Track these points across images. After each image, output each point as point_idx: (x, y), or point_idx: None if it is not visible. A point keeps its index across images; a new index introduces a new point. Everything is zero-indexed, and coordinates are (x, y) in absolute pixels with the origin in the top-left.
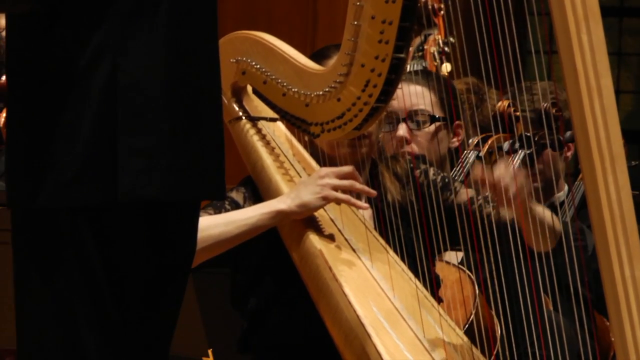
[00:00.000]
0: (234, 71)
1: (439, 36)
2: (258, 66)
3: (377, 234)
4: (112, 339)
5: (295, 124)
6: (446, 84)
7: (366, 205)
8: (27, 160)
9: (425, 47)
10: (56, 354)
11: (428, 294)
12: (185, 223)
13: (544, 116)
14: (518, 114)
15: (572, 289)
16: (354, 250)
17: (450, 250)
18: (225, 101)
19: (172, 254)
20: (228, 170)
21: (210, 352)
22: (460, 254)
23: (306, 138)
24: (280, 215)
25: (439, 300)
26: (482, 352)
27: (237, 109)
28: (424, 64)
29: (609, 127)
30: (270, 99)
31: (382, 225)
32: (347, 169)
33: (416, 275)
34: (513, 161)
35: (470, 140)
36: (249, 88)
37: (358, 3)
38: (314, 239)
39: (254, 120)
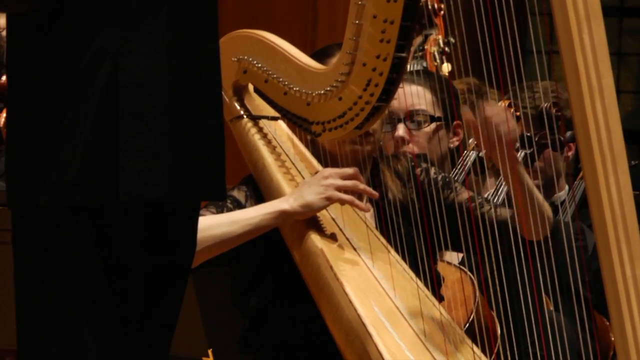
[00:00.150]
0: (235, 70)
1: (439, 36)
2: (259, 65)
3: (378, 233)
4: (112, 339)
5: (297, 123)
6: (446, 84)
7: (368, 207)
8: (28, 160)
9: (426, 47)
10: (56, 354)
11: (429, 293)
12: (185, 223)
13: (545, 116)
14: (518, 114)
15: (573, 289)
16: (355, 249)
17: (450, 250)
18: (227, 100)
19: (172, 254)
20: (229, 169)
21: (210, 352)
22: (461, 254)
23: (308, 137)
24: (283, 215)
25: (440, 299)
26: (483, 352)
27: (238, 107)
28: (424, 64)
29: (610, 127)
30: (272, 98)
31: (383, 224)
32: (351, 170)
33: (417, 273)
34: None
35: (470, 140)
36: (251, 87)
37: (360, 2)
38: (315, 237)
39: (255, 119)
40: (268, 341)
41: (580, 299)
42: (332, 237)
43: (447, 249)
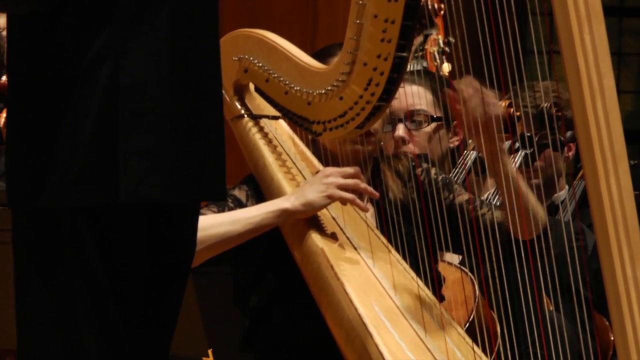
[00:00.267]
0: (236, 69)
1: (439, 36)
2: (260, 64)
3: (378, 233)
4: (112, 339)
5: (298, 123)
6: (446, 84)
7: (368, 207)
8: (28, 160)
9: (426, 47)
10: (56, 354)
11: (430, 293)
12: (185, 223)
13: (546, 116)
14: (518, 113)
15: (574, 289)
16: (355, 248)
17: (450, 252)
18: (228, 99)
19: (172, 254)
20: (229, 168)
21: (210, 352)
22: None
23: (309, 137)
24: (285, 214)
25: (441, 299)
26: (483, 351)
27: (239, 107)
28: (424, 64)
29: (611, 127)
30: (273, 97)
31: (384, 224)
32: (352, 169)
33: (418, 273)
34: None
35: (470, 140)
36: (251, 86)
37: (361, 1)
38: (315, 237)
39: (256, 118)
40: (268, 341)
41: (581, 299)
42: (333, 237)
43: (446, 250)
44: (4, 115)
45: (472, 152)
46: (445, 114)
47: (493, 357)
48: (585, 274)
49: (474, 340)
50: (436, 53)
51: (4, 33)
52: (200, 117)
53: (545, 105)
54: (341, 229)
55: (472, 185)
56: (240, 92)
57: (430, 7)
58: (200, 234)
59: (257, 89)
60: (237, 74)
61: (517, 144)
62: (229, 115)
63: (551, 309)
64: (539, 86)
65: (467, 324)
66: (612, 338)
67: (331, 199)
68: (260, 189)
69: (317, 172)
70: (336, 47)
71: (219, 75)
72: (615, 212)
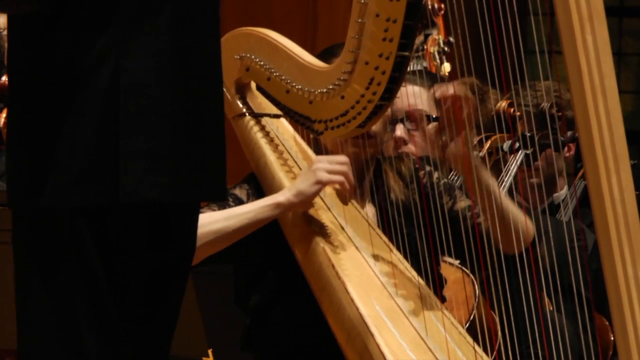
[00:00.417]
0: (237, 67)
1: (439, 36)
2: (262, 63)
3: (380, 232)
4: (112, 339)
5: (299, 121)
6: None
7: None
8: (28, 160)
9: (425, 47)
10: (56, 354)
11: (431, 293)
12: (185, 223)
13: (547, 116)
14: (519, 113)
15: (575, 289)
16: (356, 248)
17: (448, 256)
18: (229, 98)
19: (172, 254)
20: (231, 167)
21: (210, 352)
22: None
23: (311, 136)
24: (279, 206)
25: (442, 300)
26: (484, 351)
27: (240, 105)
28: (424, 64)
29: (612, 127)
30: (274, 96)
31: (385, 224)
32: (341, 156)
33: (419, 274)
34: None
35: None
36: (253, 84)
37: (362, 0)
38: (316, 236)
39: (257, 116)
40: (269, 340)
41: (582, 299)
42: (334, 236)
43: (448, 255)
44: (4, 115)
45: (472, 152)
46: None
47: (493, 356)
48: (587, 273)
49: (475, 339)
50: (436, 53)
51: (5, 33)
52: (201, 118)
53: (546, 105)
54: (342, 228)
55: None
56: (242, 91)
57: (430, 6)
58: (198, 231)
59: (258, 88)
60: (238, 72)
61: (518, 144)
62: (230, 114)
63: (551, 309)
64: (539, 86)
65: (468, 324)
66: (613, 338)
67: (320, 184)
68: (261, 188)
69: None
70: (340, 47)
71: (219, 76)
72: (617, 211)
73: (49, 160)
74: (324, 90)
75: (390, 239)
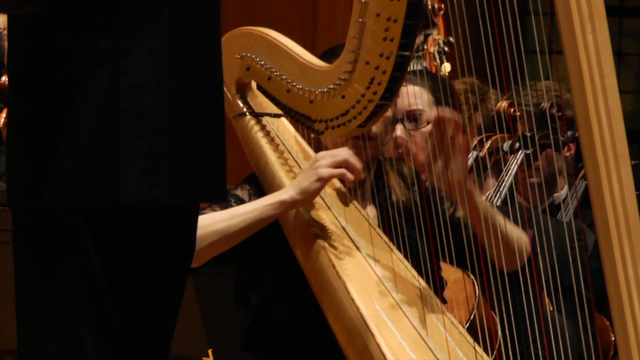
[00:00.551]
0: (238, 67)
1: (439, 36)
2: (262, 62)
3: (380, 232)
4: (112, 339)
5: (300, 121)
6: (444, 84)
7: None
8: (28, 160)
9: (425, 47)
10: (56, 354)
11: (431, 292)
12: (184, 224)
13: (548, 116)
14: (519, 113)
15: (572, 289)
16: (357, 247)
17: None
18: (230, 97)
19: (171, 255)
20: (231, 167)
21: (210, 352)
22: None
23: (312, 135)
24: (283, 204)
25: (443, 302)
26: (484, 351)
27: (241, 105)
28: (424, 64)
29: (613, 127)
30: (275, 95)
31: (386, 225)
32: (342, 150)
33: (420, 276)
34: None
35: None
36: (254, 84)
37: (363, 0)
38: (317, 236)
39: (258, 116)
40: (269, 339)
41: (583, 299)
42: (334, 236)
43: (447, 261)
44: (4, 115)
45: (473, 152)
46: None
47: (494, 356)
48: (587, 273)
49: (475, 339)
50: (436, 53)
51: (5, 33)
52: (201, 118)
53: (546, 104)
54: (343, 227)
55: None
56: (243, 90)
57: (430, 6)
58: (201, 231)
59: (259, 87)
60: (239, 71)
61: (518, 144)
62: (231, 113)
63: (551, 309)
64: (540, 86)
65: (468, 324)
66: (613, 338)
67: (322, 180)
68: (262, 188)
69: None
70: (342, 48)
71: (220, 76)
72: (617, 211)
73: (48, 161)
74: (325, 89)
75: (391, 240)
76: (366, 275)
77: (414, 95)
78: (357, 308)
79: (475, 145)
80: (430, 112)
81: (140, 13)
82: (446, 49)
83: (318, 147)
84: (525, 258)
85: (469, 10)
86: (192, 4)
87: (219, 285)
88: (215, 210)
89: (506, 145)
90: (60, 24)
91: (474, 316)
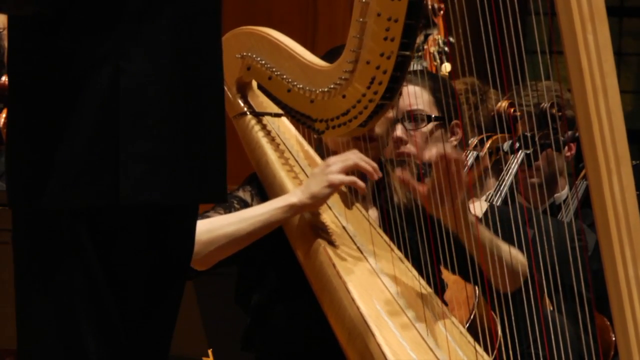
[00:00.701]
0: (239, 66)
1: (439, 36)
2: (263, 62)
3: (381, 231)
4: (112, 339)
5: (300, 120)
6: (444, 84)
7: (361, 186)
8: (28, 160)
9: (426, 47)
10: (56, 354)
11: (432, 292)
12: (184, 224)
13: (548, 116)
14: (519, 113)
15: (573, 290)
16: (358, 247)
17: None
18: (230, 97)
19: (171, 255)
20: (231, 167)
21: (210, 352)
22: None
23: (314, 136)
24: (292, 208)
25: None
26: (484, 351)
27: (241, 104)
28: (424, 64)
29: (614, 127)
30: (275, 95)
31: (387, 227)
32: (352, 153)
33: (420, 276)
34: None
35: (470, 141)
36: (254, 83)
37: (364, 0)
38: (317, 235)
39: (258, 115)
40: (269, 339)
41: (583, 299)
42: (335, 235)
43: (448, 269)
44: (4, 115)
45: (473, 152)
46: (443, 113)
47: (494, 356)
48: (588, 273)
49: (475, 339)
50: (436, 53)
51: (5, 33)
52: (201, 119)
53: (546, 104)
54: (344, 227)
55: (475, 184)
56: (243, 90)
57: (430, 6)
58: (210, 235)
59: (259, 87)
60: (239, 71)
61: (518, 144)
62: (231, 113)
63: (551, 309)
64: (540, 86)
65: (468, 323)
66: (614, 338)
67: (333, 186)
68: (263, 188)
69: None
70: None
71: (220, 77)
72: (618, 211)
73: (48, 161)
74: (325, 89)
75: (392, 242)
76: (366, 274)
77: (414, 95)
78: (358, 308)
79: (476, 145)
80: (430, 110)
81: (140, 13)
82: (446, 49)
83: (319, 146)
84: (522, 279)
85: (469, 10)
86: (193, 4)
87: (219, 285)
88: (219, 213)
89: (506, 145)
90: (61, 24)
91: (474, 316)
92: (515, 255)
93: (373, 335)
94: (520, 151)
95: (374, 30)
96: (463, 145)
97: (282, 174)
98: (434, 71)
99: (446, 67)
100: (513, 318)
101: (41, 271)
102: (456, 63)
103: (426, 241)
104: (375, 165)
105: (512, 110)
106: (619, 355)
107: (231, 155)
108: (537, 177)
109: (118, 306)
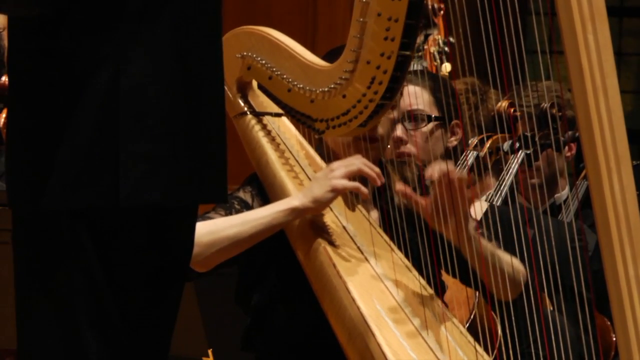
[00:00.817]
0: (239, 66)
1: (439, 36)
2: (263, 61)
3: (381, 231)
4: (112, 339)
5: (300, 120)
6: (444, 84)
7: (365, 192)
8: (28, 161)
9: (426, 47)
10: (56, 354)
11: (432, 292)
12: (184, 224)
13: (549, 116)
14: (519, 113)
15: (576, 289)
16: (358, 247)
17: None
18: (231, 96)
19: (171, 255)
20: (232, 167)
21: (210, 352)
22: None
23: (315, 135)
24: (294, 212)
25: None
26: (484, 351)
27: (242, 104)
28: (424, 64)
29: (614, 127)
30: (276, 95)
31: (388, 227)
32: (355, 158)
33: (420, 276)
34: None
35: (470, 141)
36: (255, 83)
37: (364, 0)
38: (318, 235)
39: (258, 115)
40: (270, 339)
41: (583, 299)
42: (335, 235)
43: (449, 274)
44: (4, 115)
45: (473, 151)
46: (443, 113)
47: (494, 356)
48: (588, 273)
49: (475, 339)
50: (436, 53)
51: (5, 33)
52: (201, 119)
53: (547, 104)
54: (344, 227)
55: (476, 184)
56: (244, 90)
57: (430, 6)
58: (212, 237)
59: (260, 86)
60: (240, 71)
61: (518, 144)
62: (231, 113)
63: (552, 309)
64: (540, 86)
65: (468, 323)
66: (614, 338)
67: (335, 191)
68: (264, 188)
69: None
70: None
71: (221, 77)
72: (618, 211)
73: (48, 162)
74: (326, 89)
75: (392, 242)
76: (367, 274)
77: (414, 95)
78: (358, 307)
79: (476, 145)
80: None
81: (140, 14)
82: (446, 49)
83: (319, 146)
84: (523, 287)
85: (469, 11)
86: (193, 4)
87: (219, 285)
88: (219, 214)
89: (506, 145)
90: (61, 24)
91: (474, 316)
92: (517, 266)
93: (373, 335)
94: (520, 151)
95: (374, 30)
96: (463, 145)
97: (282, 173)
98: (434, 71)
99: (446, 67)
100: (513, 318)
101: (41, 271)
102: (456, 63)
103: (426, 242)
104: (378, 170)
105: (512, 110)
106: (619, 355)
107: (231, 155)
108: (537, 177)
109: (118, 306)
